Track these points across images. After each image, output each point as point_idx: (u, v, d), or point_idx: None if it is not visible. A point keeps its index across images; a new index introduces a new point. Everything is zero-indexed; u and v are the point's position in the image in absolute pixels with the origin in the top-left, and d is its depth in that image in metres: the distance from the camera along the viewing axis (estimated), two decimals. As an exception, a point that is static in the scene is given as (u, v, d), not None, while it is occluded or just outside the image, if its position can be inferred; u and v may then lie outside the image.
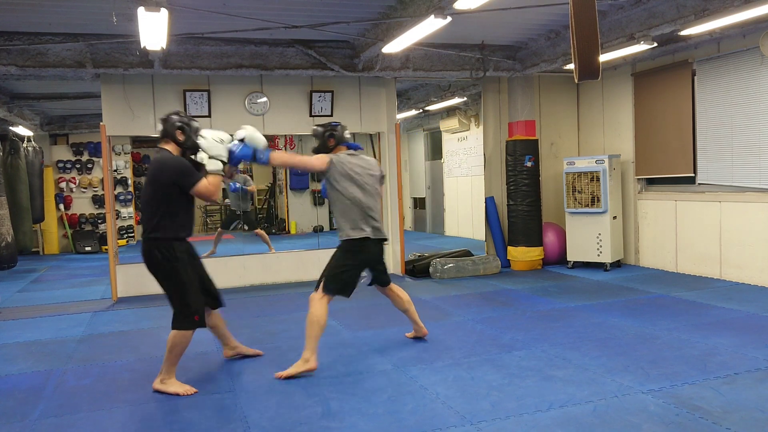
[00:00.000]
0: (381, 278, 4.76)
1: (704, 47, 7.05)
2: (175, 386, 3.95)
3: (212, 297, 4.31)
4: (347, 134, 4.56)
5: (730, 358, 4.22)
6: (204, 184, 3.91)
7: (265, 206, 15.58)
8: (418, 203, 14.87)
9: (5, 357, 4.95)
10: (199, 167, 4.02)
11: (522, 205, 8.32)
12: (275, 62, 7.02)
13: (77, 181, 12.94)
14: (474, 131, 11.76)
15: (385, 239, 4.61)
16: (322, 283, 4.36)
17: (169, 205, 3.89)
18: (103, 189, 12.55)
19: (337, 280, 4.36)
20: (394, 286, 4.86)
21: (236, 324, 5.75)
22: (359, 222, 4.39)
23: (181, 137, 4.00)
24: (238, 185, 9.92)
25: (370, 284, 4.82)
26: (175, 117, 4.03)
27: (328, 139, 4.50)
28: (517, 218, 8.37)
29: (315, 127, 4.58)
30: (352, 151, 4.51)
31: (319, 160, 4.38)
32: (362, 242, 4.40)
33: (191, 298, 3.95)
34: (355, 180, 4.38)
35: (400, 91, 10.45)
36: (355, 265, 4.44)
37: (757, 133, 6.56)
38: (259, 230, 10.34)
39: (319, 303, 4.30)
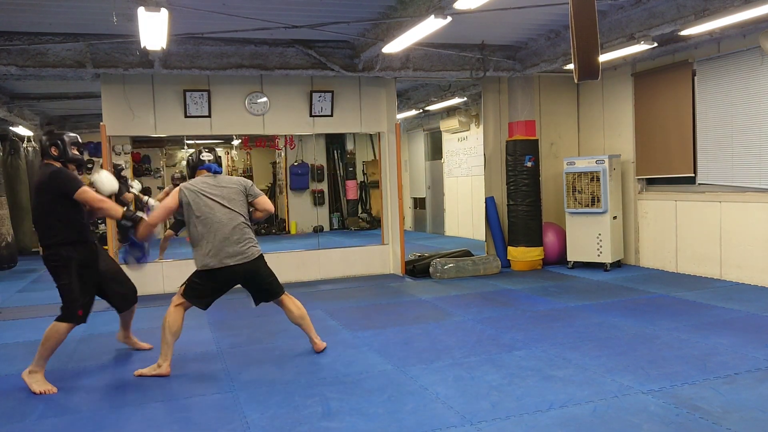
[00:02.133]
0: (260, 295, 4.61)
1: (704, 47, 7.05)
2: (39, 384, 4.11)
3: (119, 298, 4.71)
4: (203, 156, 4.55)
5: (730, 358, 4.22)
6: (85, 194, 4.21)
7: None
8: (418, 203, 14.87)
9: (5, 357, 4.95)
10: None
11: (522, 205, 8.32)
12: (275, 62, 7.02)
13: (77, 181, 12.93)
14: (474, 131, 11.76)
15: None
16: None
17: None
18: (103, 189, 12.52)
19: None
20: (286, 299, 4.63)
21: (237, 324, 5.75)
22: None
23: (55, 152, 4.30)
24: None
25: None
26: (44, 137, 4.34)
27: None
28: (517, 218, 8.37)
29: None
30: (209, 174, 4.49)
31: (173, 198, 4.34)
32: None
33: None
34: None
35: (400, 91, 10.46)
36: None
37: (757, 133, 6.56)
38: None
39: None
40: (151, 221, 4.35)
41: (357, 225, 15.04)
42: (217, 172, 4.51)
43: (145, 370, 4.32)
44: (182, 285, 4.46)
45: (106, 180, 4.57)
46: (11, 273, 9.50)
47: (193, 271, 4.40)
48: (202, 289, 4.39)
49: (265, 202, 4.57)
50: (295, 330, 5.42)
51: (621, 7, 6.11)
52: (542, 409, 3.47)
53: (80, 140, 4.49)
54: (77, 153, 4.41)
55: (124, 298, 4.76)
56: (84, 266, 4.34)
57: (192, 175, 4.58)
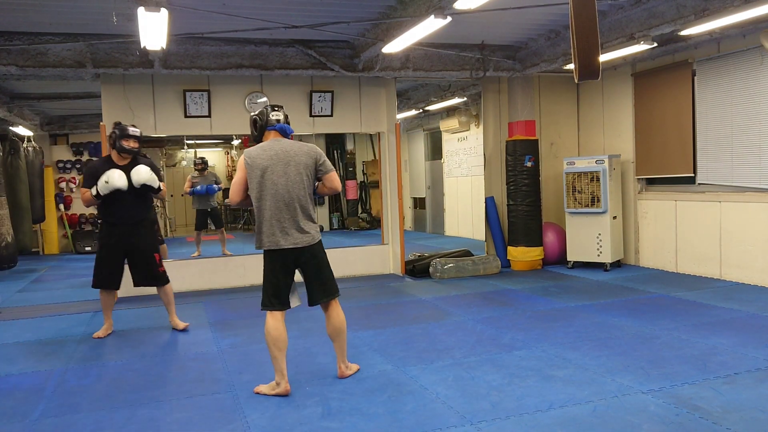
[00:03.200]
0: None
1: (704, 47, 7.05)
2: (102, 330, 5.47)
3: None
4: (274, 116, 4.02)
5: (730, 358, 4.22)
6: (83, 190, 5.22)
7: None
8: (418, 203, 14.87)
9: (5, 357, 4.95)
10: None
11: (522, 205, 8.32)
12: (275, 62, 7.02)
13: (77, 181, 12.94)
14: (474, 131, 11.76)
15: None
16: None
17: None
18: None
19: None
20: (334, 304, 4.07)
21: (237, 324, 5.76)
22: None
23: (109, 142, 5.28)
24: (202, 187, 9.92)
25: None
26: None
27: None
28: (517, 218, 8.38)
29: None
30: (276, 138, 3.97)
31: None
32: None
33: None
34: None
35: (400, 91, 10.46)
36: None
37: (757, 133, 6.56)
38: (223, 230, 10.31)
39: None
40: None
41: (357, 225, 15.04)
42: (288, 135, 4.03)
43: (264, 388, 3.91)
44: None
45: (115, 176, 5.05)
46: (11, 273, 9.51)
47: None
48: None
49: (333, 179, 3.99)
50: (295, 330, 5.43)
51: (621, 7, 6.11)
52: (542, 409, 3.47)
53: (136, 133, 5.23)
54: (129, 144, 5.17)
55: (137, 279, 5.47)
56: (111, 244, 5.22)
57: (259, 139, 4.04)
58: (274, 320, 3.87)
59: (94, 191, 5.08)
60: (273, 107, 4.06)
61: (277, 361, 3.84)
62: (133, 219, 5.24)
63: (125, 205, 5.15)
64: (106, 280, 5.34)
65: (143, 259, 5.36)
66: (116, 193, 5.06)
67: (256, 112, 4.07)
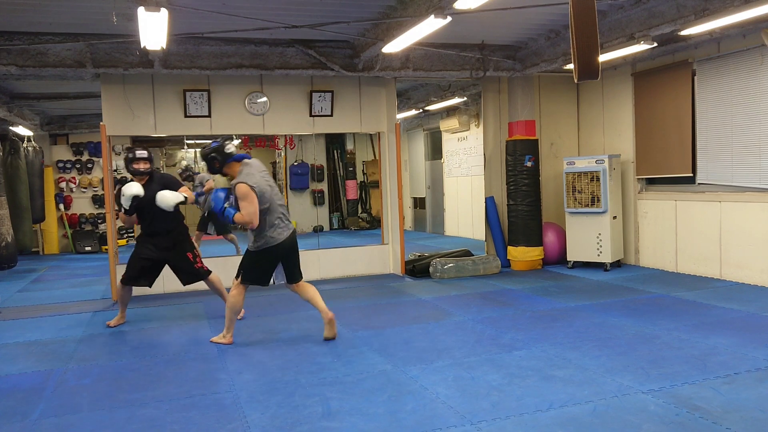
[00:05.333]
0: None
1: (704, 47, 7.05)
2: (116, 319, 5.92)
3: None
4: (228, 148, 4.83)
5: (730, 358, 4.23)
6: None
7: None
8: (418, 203, 14.87)
9: (5, 357, 4.95)
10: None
11: (522, 205, 8.32)
12: (275, 62, 7.02)
13: (77, 181, 12.94)
14: (474, 131, 11.76)
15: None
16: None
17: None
18: (103, 189, 12.55)
19: None
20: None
21: (237, 324, 5.74)
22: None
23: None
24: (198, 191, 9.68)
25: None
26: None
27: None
28: (517, 218, 8.38)
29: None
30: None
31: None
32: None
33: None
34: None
35: (400, 91, 10.45)
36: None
37: (757, 133, 6.56)
38: (231, 236, 9.83)
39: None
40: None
41: (357, 225, 15.04)
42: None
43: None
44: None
45: (128, 189, 5.49)
46: (11, 273, 9.51)
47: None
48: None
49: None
50: (295, 330, 5.44)
51: (621, 7, 6.11)
52: (542, 409, 3.47)
53: (143, 155, 5.63)
54: (140, 167, 5.62)
55: (183, 279, 5.89)
56: (147, 251, 5.69)
57: (221, 171, 4.89)
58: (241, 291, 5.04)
59: (122, 209, 5.57)
60: (225, 140, 4.87)
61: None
62: (165, 229, 5.66)
63: (157, 217, 5.58)
64: (135, 279, 5.74)
65: (180, 262, 5.78)
66: (147, 208, 5.52)
67: (211, 150, 4.83)
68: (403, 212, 9.01)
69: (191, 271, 5.81)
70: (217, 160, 4.79)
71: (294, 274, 5.00)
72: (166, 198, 5.44)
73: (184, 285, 5.94)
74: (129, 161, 5.67)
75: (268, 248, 4.81)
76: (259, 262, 4.88)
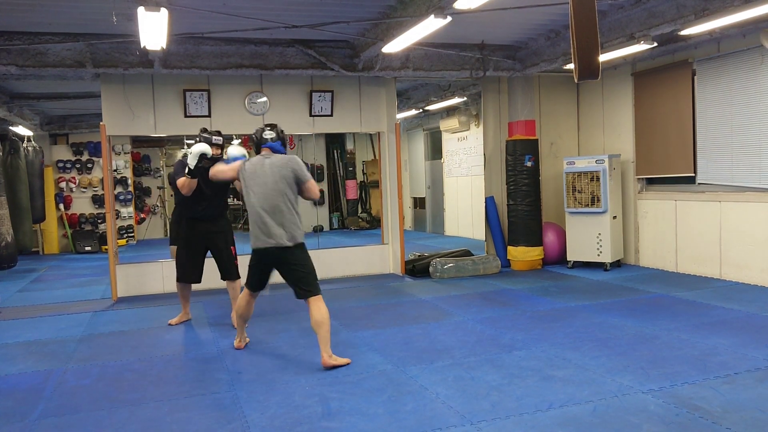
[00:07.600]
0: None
1: (704, 47, 7.05)
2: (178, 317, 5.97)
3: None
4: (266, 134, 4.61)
5: (730, 358, 4.23)
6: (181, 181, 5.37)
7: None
8: (418, 203, 14.87)
9: (5, 357, 4.95)
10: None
11: (522, 205, 8.32)
12: (275, 62, 7.02)
13: (77, 181, 12.95)
14: (474, 131, 11.76)
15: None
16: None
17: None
18: (103, 189, 12.55)
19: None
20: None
21: (236, 324, 5.75)
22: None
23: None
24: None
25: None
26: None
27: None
28: (517, 218, 8.38)
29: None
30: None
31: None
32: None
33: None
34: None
35: (400, 91, 10.45)
36: None
37: (757, 133, 6.56)
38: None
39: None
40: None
41: (357, 225, 15.04)
42: (278, 151, 4.54)
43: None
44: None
45: (196, 147, 5.27)
46: (11, 273, 9.51)
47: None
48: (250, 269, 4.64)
49: (312, 188, 4.51)
50: (295, 330, 5.44)
51: (621, 7, 6.11)
52: (542, 409, 3.47)
53: (217, 141, 5.49)
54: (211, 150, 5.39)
55: (222, 273, 5.70)
56: (193, 238, 5.60)
57: (257, 152, 4.65)
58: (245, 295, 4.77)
59: (186, 171, 5.32)
60: (267, 126, 4.65)
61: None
62: (212, 215, 5.60)
63: (205, 202, 5.52)
64: (189, 274, 5.70)
65: (223, 253, 5.66)
66: (198, 192, 5.42)
67: (254, 131, 4.68)
68: (403, 212, 9.00)
69: (230, 265, 5.68)
70: (255, 141, 4.66)
71: (296, 291, 4.49)
72: (236, 147, 5.19)
73: (223, 279, 5.74)
74: (206, 141, 5.46)
75: (252, 249, 4.54)
76: (250, 261, 4.64)
